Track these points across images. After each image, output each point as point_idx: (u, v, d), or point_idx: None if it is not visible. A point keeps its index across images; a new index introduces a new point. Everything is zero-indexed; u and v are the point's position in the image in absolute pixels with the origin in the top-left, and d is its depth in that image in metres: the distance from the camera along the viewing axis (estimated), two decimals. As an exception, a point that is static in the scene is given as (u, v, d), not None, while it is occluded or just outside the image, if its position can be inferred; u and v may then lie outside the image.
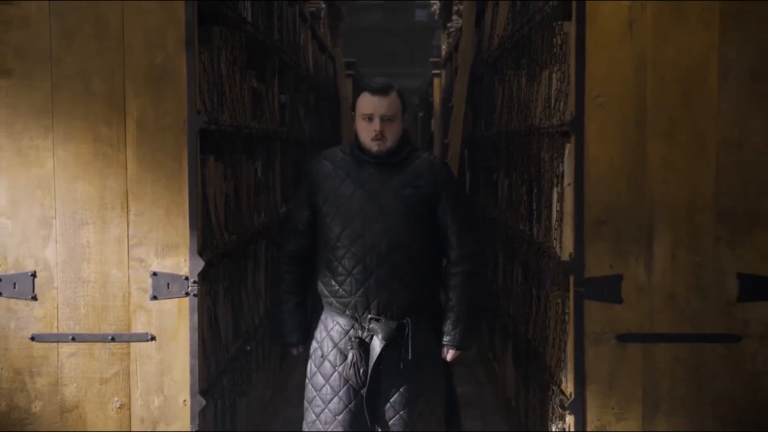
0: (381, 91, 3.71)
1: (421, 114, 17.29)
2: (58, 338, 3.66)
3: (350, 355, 3.70)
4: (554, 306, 4.10)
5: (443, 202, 3.73)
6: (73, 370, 3.67)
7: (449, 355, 3.81)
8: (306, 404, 3.82)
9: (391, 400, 3.71)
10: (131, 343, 3.68)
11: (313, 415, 3.79)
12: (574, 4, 3.64)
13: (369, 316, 3.69)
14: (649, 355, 3.67)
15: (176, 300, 3.66)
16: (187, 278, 3.64)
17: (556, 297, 4.08)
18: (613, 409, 3.68)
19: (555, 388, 4.04)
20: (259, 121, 5.25)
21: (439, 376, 3.83)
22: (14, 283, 3.64)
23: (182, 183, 3.63)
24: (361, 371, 3.68)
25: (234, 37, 4.56)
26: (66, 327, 3.67)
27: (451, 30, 11.48)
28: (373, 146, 3.71)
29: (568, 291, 3.77)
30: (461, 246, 3.75)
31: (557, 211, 4.04)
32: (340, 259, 3.71)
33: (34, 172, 3.63)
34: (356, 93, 4.06)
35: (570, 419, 3.74)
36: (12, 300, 3.65)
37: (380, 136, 3.68)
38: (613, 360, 3.67)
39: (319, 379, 3.77)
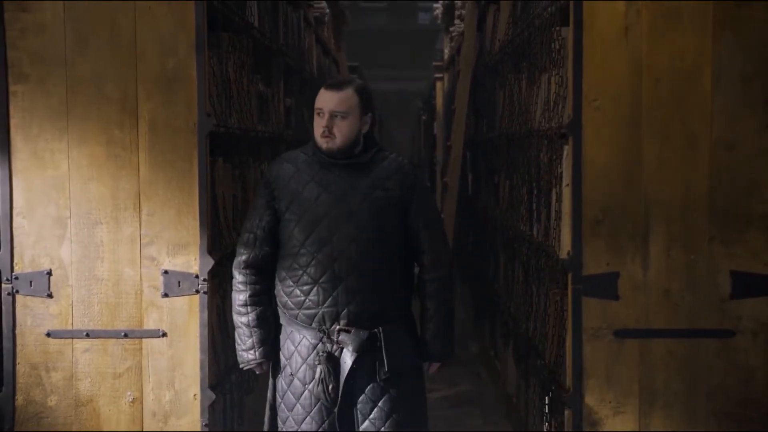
0: (334, 86, 3.45)
1: (424, 117, 17.37)
2: (73, 334, 3.78)
3: (318, 371, 3.40)
4: (553, 303, 4.20)
5: (414, 205, 3.48)
6: (87, 366, 3.79)
7: (432, 368, 3.57)
8: (280, 424, 3.52)
9: (370, 416, 3.43)
10: (143, 339, 3.79)
11: None
12: (571, 10, 3.75)
13: (338, 327, 3.40)
14: (645, 350, 3.77)
15: (187, 297, 3.78)
16: (197, 276, 3.76)
17: (554, 295, 4.18)
18: (610, 402, 3.78)
19: (554, 383, 4.13)
20: (265, 123, 5.36)
21: (421, 385, 3.56)
22: (30, 282, 3.76)
23: (192, 184, 3.74)
24: (331, 388, 3.39)
25: (241, 43, 4.67)
26: (80, 324, 3.78)
27: (453, 34, 11.55)
28: (322, 143, 3.43)
29: (566, 289, 3.87)
30: (434, 251, 3.51)
31: (556, 211, 4.13)
32: (305, 267, 3.40)
33: (50, 173, 3.75)
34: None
35: (568, 413, 3.84)
36: (28, 297, 3.77)
37: (327, 133, 3.41)
38: (610, 355, 3.77)
39: (290, 399, 3.46)
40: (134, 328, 3.79)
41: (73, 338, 3.78)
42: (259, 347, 3.48)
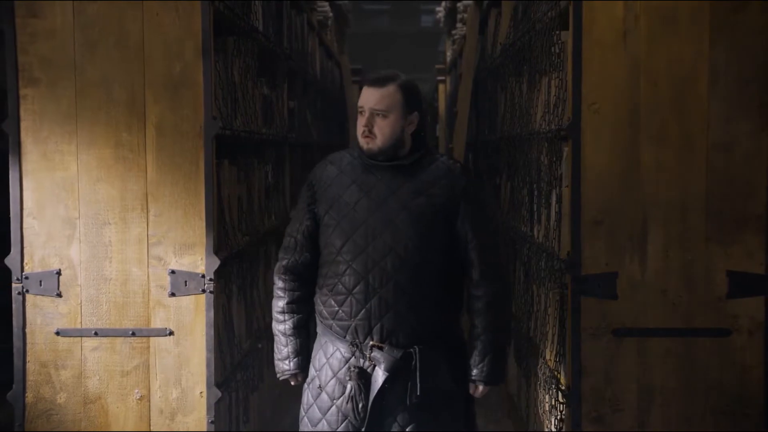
0: (375, 82, 3.24)
1: (427, 119, 17.40)
2: (82, 333, 3.85)
3: (348, 387, 3.20)
4: (553, 303, 4.25)
5: (462, 214, 3.22)
6: (96, 364, 3.86)
7: (478, 391, 3.31)
8: None
9: None
10: (150, 338, 3.85)
11: None
12: (571, 14, 3.81)
13: (371, 343, 3.19)
14: (643, 348, 3.82)
15: (193, 297, 3.84)
16: (203, 276, 3.82)
17: (554, 294, 4.23)
18: (609, 400, 3.83)
19: (554, 381, 4.19)
20: (269, 126, 5.43)
21: (455, 417, 3.29)
22: (40, 281, 3.83)
23: (199, 185, 3.80)
24: (360, 406, 3.18)
25: (246, 47, 4.74)
26: (89, 322, 3.85)
27: (455, 37, 11.60)
28: (363, 144, 3.23)
29: (566, 288, 3.93)
30: (484, 264, 3.24)
31: (556, 212, 4.19)
32: (340, 276, 3.21)
33: (59, 174, 3.82)
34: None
35: (567, 411, 3.89)
36: (38, 297, 3.84)
37: (367, 133, 3.21)
38: (608, 354, 3.82)
39: (316, 413, 3.29)
40: (142, 327, 3.85)
41: (81, 337, 3.85)
42: (295, 357, 3.34)
